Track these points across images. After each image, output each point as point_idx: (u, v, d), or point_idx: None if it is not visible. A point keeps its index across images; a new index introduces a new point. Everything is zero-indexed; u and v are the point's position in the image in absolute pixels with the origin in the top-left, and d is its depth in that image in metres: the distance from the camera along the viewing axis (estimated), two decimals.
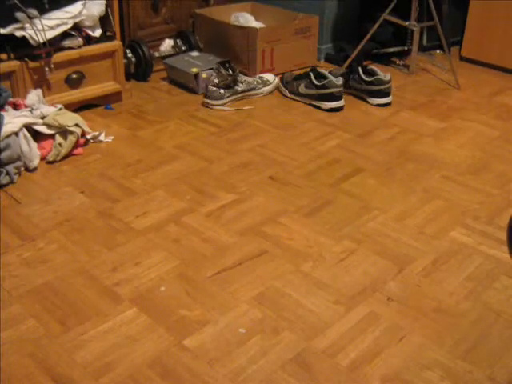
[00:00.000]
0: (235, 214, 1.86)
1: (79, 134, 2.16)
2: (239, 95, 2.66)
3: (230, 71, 2.60)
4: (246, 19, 3.08)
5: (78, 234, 1.74)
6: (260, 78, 2.75)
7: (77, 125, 2.16)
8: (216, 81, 2.56)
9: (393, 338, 1.39)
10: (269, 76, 2.79)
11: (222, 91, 2.56)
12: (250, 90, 2.67)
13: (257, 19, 3.16)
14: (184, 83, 2.78)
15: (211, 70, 2.65)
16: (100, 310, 1.45)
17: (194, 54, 2.88)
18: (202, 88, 2.69)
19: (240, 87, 2.62)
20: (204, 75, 2.67)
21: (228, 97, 2.60)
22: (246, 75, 2.72)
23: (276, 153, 2.24)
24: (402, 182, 2.06)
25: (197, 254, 1.67)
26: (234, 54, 2.92)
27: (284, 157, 2.21)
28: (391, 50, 3.18)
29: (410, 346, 1.37)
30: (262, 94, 2.73)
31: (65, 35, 2.33)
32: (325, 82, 2.55)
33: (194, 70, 2.70)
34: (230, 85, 2.58)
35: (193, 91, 2.74)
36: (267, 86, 2.73)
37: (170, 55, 2.94)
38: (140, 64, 2.79)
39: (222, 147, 2.27)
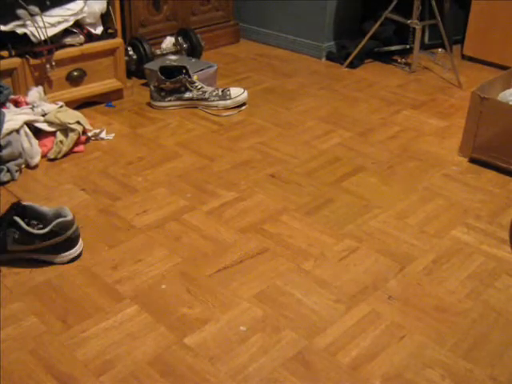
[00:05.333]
0: (236, 211, 1.86)
1: (80, 132, 2.16)
2: (186, 102, 2.54)
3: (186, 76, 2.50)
4: None
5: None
6: (223, 90, 2.55)
7: (78, 122, 2.16)
8: (156, 83, 2.51)
9: (394, 337, 1.39)
10: (235, 90, 2.58)
11: (162, 93, 2.51)
12: (200, 99, 2.52)
13: None
14: None
15: (196, 73, 2.61)
16: (101, 308, 1.45)
17: (173, 57, 2.83)
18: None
19: (188, 94, 2.50)
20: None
21: (170, 100, 2.52)
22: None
23: (277, 151, 2.23)
24: (404, 180, 2.06)
25: (198, 251, 1.67)
26: None
27: (285, 155, 2.21)
28: (393, 48, 3.19)
29: (411, 344, 1.37)
30: (216, 107, 2.54)
31: (66, 32, 2.33)
32: None
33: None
34: (178, 89, 2.49)
35: None
36: (225, 100, 2.54)
37: (171, 53, 2.94)
38: (141, 61, 2.79)
39: (223, 145, 2.27)
